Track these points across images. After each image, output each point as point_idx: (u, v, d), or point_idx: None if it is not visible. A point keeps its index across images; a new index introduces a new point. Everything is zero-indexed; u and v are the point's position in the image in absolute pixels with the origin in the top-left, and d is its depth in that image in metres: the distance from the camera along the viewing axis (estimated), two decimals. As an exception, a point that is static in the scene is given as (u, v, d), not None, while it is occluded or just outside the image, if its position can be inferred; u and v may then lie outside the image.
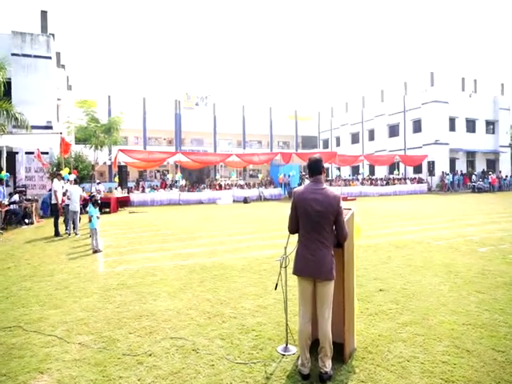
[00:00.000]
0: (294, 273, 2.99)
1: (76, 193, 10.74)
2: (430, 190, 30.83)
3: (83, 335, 3.82)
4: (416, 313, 4.23)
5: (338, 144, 45.96)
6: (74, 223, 10.84)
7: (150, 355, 3.36)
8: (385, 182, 30.52)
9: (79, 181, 20.30)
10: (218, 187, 26.76)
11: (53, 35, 25.52)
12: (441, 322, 3.95)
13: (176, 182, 27.44)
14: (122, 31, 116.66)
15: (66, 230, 11.03)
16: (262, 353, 3.37)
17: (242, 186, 27.69)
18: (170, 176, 29.41)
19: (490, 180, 30.00)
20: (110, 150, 29.18)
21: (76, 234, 10.78)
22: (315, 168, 3.04)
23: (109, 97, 38.96)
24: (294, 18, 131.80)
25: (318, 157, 3.07)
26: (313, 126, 49.68)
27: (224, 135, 44.07)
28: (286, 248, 3.42)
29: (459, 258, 6.86)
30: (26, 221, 13.94)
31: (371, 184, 30.27)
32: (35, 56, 23.10)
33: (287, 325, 3.44)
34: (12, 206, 14.12)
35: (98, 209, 9.75)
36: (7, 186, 17.19)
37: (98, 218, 8.46)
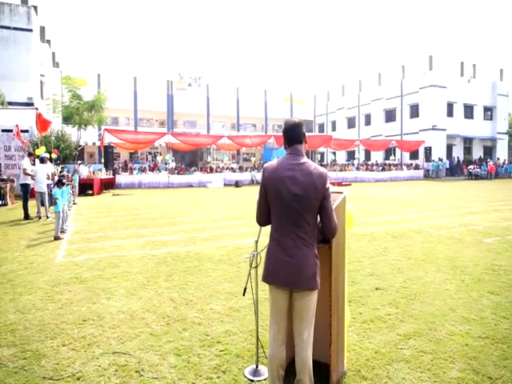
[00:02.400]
0: (264, 280, 2.19)
1: (42, 172, 9.81)
2: (426, 177, 30.17)
3: (3, 347, 3.03)
4: (420, 320, 3.49)
5: (333, 128, 44.94)
6: (43, 205, 9.96)
7: (78, 379, 2.58)
8: (381, 168, 29.78)
9: (62, 160, 19.32)
10: (209, 170, 25.86)
11: (35, 7, 23.95)
12: (451, 334, 3.21)
13: (166, 164, 26.47)
14: (112, 8, 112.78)
15: (38, 212, 10.16)
16: (224, 377, 2.60)
17: (233, 170, 26.80)
18: (159, 158, 28.36)
19: (488, 168, 29.35)
20: (100, 130, 28.01)
21: (47, 217, 9.91)
22: (293, 135, 2.19)
23: (98, 75, 37.38)
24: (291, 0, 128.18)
25: (297, 120, 2.24)
26: (308, 109, 48.41)
27: (217, 117, 42.80)
28: (257, 242, 2.62)
29: (464, 251, 6.13)
30: (-1, 202, 13.03)
31: (367, 169, 29.53)
32: (14, 28, 21.64)
33: (258, 340, 2.67)
34: (-17, 187, 13.18)
35: (67, 189, 8.90)
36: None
37: (69, 201, 7.59)
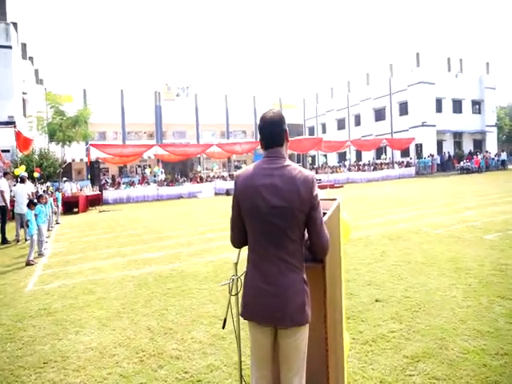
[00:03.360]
0: (242, 315, 1.77)
1: (22, 192, 9.31)
2: (418, 174, 30.01)
3: None
4: (428, 337, 3.08)
5: (323, 131, 44.82)
6: (22, 227, 9.43)
7: None
8: (372, 168, 29.57)
9: (45, 179, 18.75)
10: (199, 180, 25.42)
11: (14, 24, 23.52)
12: (464, 352, 2.80)
13: (155, 176, 25.99)
14: (96, 22, 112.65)
15: (16, 235, 9.64)
16: (201, 429, 2.17)
17: (224, 178, 26.39)
18: (148, 170, 27.85)
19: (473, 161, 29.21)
20: (87, 146, 27.47)
21: (26, 240, 9.38)
22: (271, 134, 1.75)
23: (84, 91, 36.91)
24: (275, 4, 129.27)
25: (276, 114, 1.79)
26: (298, 113, 48.34)
27: (207, 126, 42.46)
28: (236, 264, 2.21)
29: (465, 250, 5.77)
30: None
31: (358, 170, 29.31)
32: (-7, 46, 21.12)
33: (242, 379, 2.24)
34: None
35: (46, 209, 8.42)
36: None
37: (50, 221, 7.10)
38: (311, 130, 47.71)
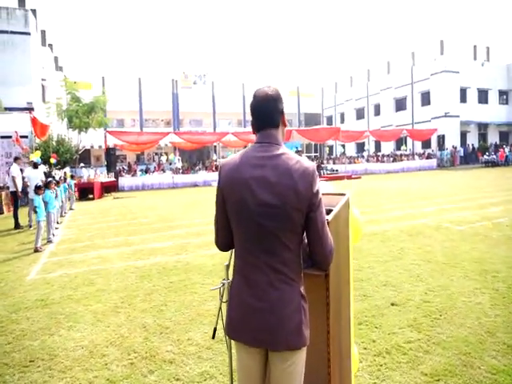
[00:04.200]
0: (227, 334, 1.48)
1: (35, 178, 9.26)
2: (439, 166, 28.96)
3: None
4: (450, 350, 2.73)
5: (342, 120, 43.82)
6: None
7: None
8: (392, 159, 28.71)
9: (62, 165, 18.89)
10: (214, 168, 25.23)
11: (33, 11, 23.57)
12: (493, 372, 2.44)
13: (171, 164, 25.96)
14: (115, 10, 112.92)
15: (29, 221, 9.65)
16: None
17: (239, 167, 26.10)
18: (164, 158, 27.84)
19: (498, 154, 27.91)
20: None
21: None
22: (263, 113, 1.43)
23: (103, 78, 37.10)
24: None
25: (271, 90, 1.44)
26: (316, 102, 47.35)
27: (224, 115, 42.19)
28: (228, 267, 1.93)
29: (492, 250, 5.31)
30: (-6, 210, 12.60)
31: (377, 161, 28.51)
32: (12, 32, 21.22)
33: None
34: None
35: (60, 194, 8.37)
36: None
37: (63, 207, 7.01)
38: (329, 120, 46.74)
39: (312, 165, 1.37)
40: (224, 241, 1.51)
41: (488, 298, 3.63)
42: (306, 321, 1.37)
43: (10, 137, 18.18)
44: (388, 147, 34.31)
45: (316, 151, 39.73)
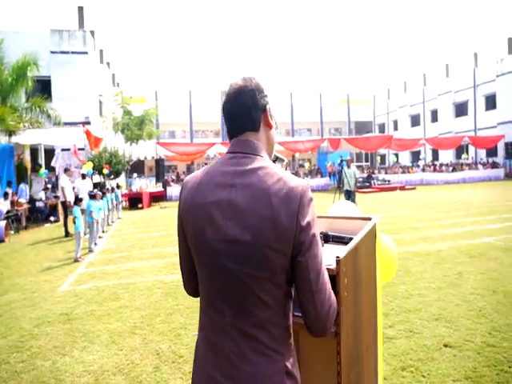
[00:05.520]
0: None
1: (83, 189, 9.65)
2: (507, 176, 26.24)
3: None
4: (523, 419, 2.11)
5: (395, 128, 41.77)
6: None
7: None
8: (451, 168, 26.58)
9: (115, 175, 19.85)
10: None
11: (92, 32, 25.43)
12: None
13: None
14: (168, 28, 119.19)
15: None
16: None
17: (286, 177, 25.72)
18: (210, 168, 28.30)
19: None
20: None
21: (85, 234, 9.72)
22: (237, 112, 1.03)
23: (156, 92, 39.05)
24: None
25: (248, 81, 1.05)
26: (367, 110, 45.77)
27: (272, 124, 42.28)
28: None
29: None
30: (52, 218, 13.41)
31: (434, 170, 26.56)
32: (72, 52, 22.96)
33: None
34: (38, 204, 13.71)
35: (104, 203, 8.58)
36: (49, 182, 17.14)
37: (95, 218, 7.19)
38: (381, 128, 44.82)
39: (302, 184, 0.96)
40: (192, 286, 1.14)
41: None
42: None
43: (69, 149, 19.53)
44: (447, 156, 31.91)
45: (367, 160, 38.17)
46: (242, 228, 0.92)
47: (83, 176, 10.33)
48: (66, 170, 10.58)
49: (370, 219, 1.45)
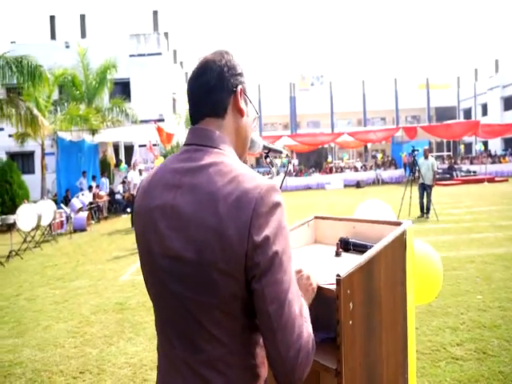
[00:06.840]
0: None
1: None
2: None
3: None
4: None
5: (484, 113, 37.31)
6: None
7: None
8: (555, 157, 22.89)
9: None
10: (328, 171, 24.35)
11: (166, 34, 26.89)
12: None
13: (284, 166, 26.17)
14: (234, 26, 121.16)
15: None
16: None
17: (356, 169, 24.57)
18: (278, 161, 28.24)
19: None
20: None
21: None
22: (198, 93, 0.81)
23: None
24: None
25: (217, 55, 0.82)
26: (450, 94, 41.56)
27: (342, 115, 40.82)
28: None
29: None
30: (128, 210, 14.52)
31: (533, 160, 23.12)
32: (148, 54, 24.53)
33: None
34: (117, 196, 14.95)
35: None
36: (126, 177, 18.69)
37: None
38: (467, 113, 40.41)
39: (261, 185, 0.71)
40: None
41: None
42: None
43: (145, 145, 20.97)
44: (550, 142, 27.58)
45: (449, 150, 34.72)
46: (185, 242, 0.71)
47: (140, 172, 10.88)
48: (133, 166, 11.29)
49: (399, 224, 1.13)
